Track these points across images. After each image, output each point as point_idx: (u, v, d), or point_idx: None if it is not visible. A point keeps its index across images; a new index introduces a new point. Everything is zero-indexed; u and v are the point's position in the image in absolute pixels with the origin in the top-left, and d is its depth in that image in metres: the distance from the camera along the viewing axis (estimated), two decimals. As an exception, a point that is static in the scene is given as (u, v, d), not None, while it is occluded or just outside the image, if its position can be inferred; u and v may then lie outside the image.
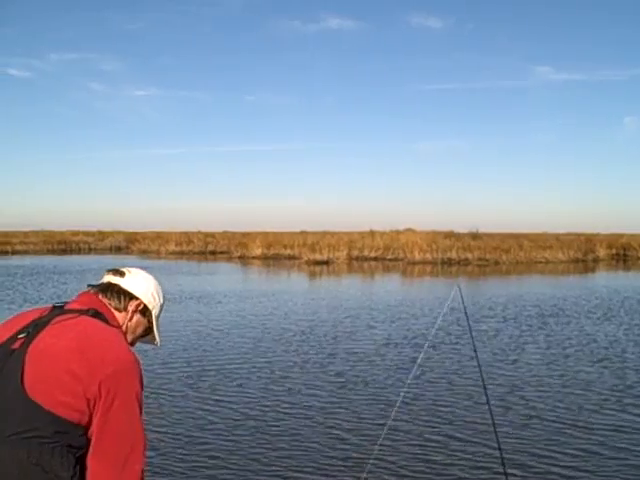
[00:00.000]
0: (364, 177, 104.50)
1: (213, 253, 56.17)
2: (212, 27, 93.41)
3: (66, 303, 2.48)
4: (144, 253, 56.58)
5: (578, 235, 52.38)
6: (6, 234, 66.92)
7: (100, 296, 2.53)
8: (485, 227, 54.03)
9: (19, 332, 2.30)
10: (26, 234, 68.02)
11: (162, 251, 56.64)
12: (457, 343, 13.03)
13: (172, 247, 57.13)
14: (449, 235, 47.91)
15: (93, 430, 2.21)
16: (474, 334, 13.94)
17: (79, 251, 61.87)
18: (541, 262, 43.74)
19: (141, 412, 2.33)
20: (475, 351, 5.90)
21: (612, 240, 51.77)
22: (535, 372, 10.86)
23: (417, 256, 43.47)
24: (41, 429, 2.14)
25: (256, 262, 45.65)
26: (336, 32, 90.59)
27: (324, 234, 53.41)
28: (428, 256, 43.21)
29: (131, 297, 2.57)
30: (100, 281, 2.62)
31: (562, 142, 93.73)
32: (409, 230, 53.39)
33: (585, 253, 46.48)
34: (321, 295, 23.24)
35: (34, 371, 2.19)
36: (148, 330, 2.68)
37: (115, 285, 2.57)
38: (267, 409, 8.67)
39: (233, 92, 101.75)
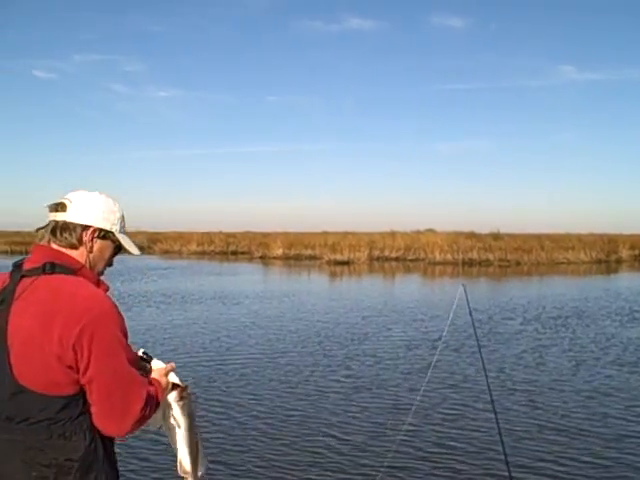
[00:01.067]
0: (385, 178, 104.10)
1: (234, 253, 56.41)
2: (234, 28, 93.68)
3: (24, 261, 2.35)
4: (166, 253, 56.94)
5: (600, 236, 51.84)
6: (30, 234, 67.64)
7: (52, 242, 2.37)
8: (506, 228, 53.55)
9: None
10: (49, 234, 68.64)
11: (184, 251, 57.03)
12: (474, 345, 12.95)
13: (194, 247, 57.49)
14: (470, 236, 47.66)
15: (85, 387, 2.18)
16: (493, 336, 13.97)
17: (102, 251, 62.33)
18: (563, 263, 43.47)
19: (128, 354, 2.25)
20: (480, 352, 5.88)
21: (635, 241, 51.16)
22: (554, 377, 10.70)
23: (438, 257, 43.35)
24: (45, 412, 2.12)
25: (277, 262, 45.80)
26: (357, 32, 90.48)
27: (345, 234, 53.38)
28: (449, 257, 43.08)
29: (82, 227, 2.38)
30: (46, 222, 2.43)
31: (585, 142, 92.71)
32: (430, 231, 53.25)
33: (607, 254, 46.08)
34: (340, 296, 23.27)
35: (16, 356, 2.14)
36: (117, 249, 2.52)
37: (60, 222, 2.37)
38: (279, 411, 8.69)
39: (254, 92, 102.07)
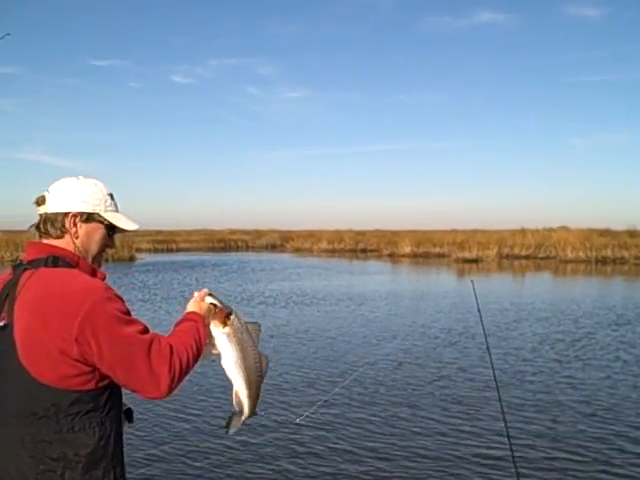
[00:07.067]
0: (517, 174, 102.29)
1: (364, 251, 57.43)
2: (363, 27, 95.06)
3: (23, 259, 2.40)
4: (297, 251, 58.76)
5: None
6: (171, 233, 71.74)
7: (41, 237, 2.42)
8: (645, 224, 51.48)
9: None
10: (189, 233, 72.55)
11: (315, 249, 58.68)
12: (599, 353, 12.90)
13: (324, 245, 59.01)
14: (604, 233, 46.31)
15: (109, 375, 2.21)
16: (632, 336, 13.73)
17: (237, 249, 65.20)
18: None
19: (134, 326, 2.24)
20: (488, 348, 5.29)
21: None
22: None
23: (570, 254, 42.56)
24: (55, 405, 2.15)
25: (405, 260, 46.33)
26: (488, 26, 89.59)
27: (474, 232, 53.11)
28: (581, 254, 42.20)
29: (63, 215, 2.39)
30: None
31: None
32: (563, 228, 52.09)
33: None
34: (466, 295, 23.37)
35: (23, 352, 2.17)
36: (110, 229, 2.50)
37: (43, 215, 2.41)
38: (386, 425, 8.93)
39: (384, 91, 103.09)
